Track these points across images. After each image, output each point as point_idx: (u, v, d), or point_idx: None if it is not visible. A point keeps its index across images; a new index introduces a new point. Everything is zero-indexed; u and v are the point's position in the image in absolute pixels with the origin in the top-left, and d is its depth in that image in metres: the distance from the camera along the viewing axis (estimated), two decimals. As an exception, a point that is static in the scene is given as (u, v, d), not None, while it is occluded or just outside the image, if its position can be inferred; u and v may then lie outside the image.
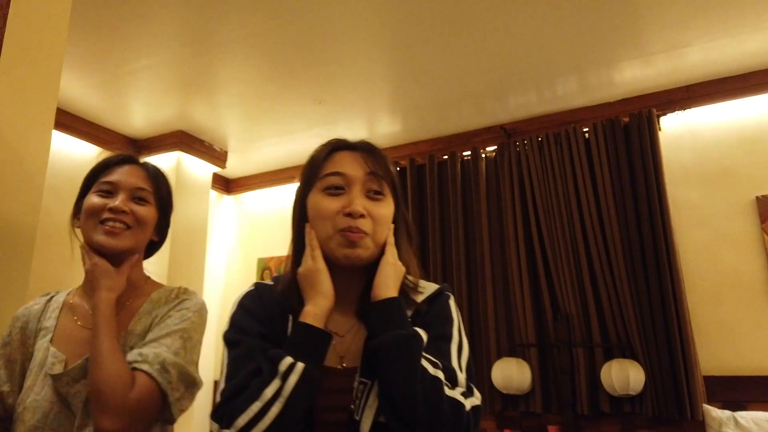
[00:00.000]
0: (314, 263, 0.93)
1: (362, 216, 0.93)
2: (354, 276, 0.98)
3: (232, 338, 0.93)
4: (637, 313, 2.75)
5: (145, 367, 1.01)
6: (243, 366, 0.88)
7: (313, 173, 0.99)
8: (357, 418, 0.85)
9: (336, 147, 1.00)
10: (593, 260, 2.90)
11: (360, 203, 0.94)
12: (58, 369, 1.07)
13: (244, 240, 4.32)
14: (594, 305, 2.88)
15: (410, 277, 1.02)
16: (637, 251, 2.82)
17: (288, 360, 0.83)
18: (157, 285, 1.23)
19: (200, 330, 1.14)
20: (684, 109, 3.01)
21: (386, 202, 0.99)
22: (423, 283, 1.03)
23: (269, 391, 0.82)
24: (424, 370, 0.83)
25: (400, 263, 0.97)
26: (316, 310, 0.89)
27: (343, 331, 0.97)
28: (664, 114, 3.06)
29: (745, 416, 2.43)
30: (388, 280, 0.93)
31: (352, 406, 0.87)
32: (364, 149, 1.00)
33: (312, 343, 0.87)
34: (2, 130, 1.37)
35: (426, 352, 0.87)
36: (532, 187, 3.15)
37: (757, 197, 2.78)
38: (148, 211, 1.17)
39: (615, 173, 2.97)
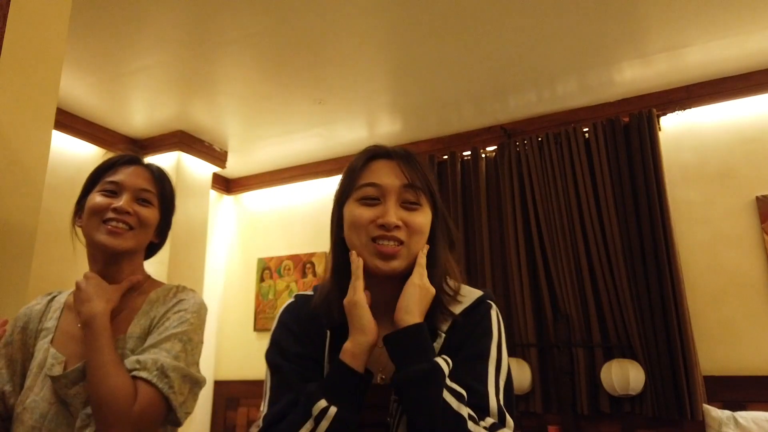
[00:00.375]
0: (354, 295, 0.89)
1: (397, 227, 0.91)
2: (392, 285, 0.94)
3: (273, 362, 0.94)
4: (637, 313, 2.75)
5: (144, 374, 1.00)
6: (283, 394, 0.89)
7: (350, 182, 0.98)
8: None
9: (373, 155, 0.99)
10: (593, 260, 2.90)
11: (394, 213, 0.92)
12: (57, 370, 1.07)
13: (244, 240, 4.32)
14: (594, 305, 2.88)
15: (452, 282, 0.99)
16: (637, 251, 2.82)
17: (321, 404, 0.82)
18: (156, 284, 1.22)
19: (200, 330, 1.13)
20: (684, 109, 3.01)
21: (423, 211, 0.96)
22: (465, 289, 0.99)
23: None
24: (447, 406, 0.80)
25: (429, 285, 0.91)
26: (354, 348, 0.86)
27: (380, 343, 0.91)
28: (664, 114, 3.06)
29: (745, 416, 2.43)
30: (412, 305, 0.88)
31: (389, 419, 0.87)
32: (401, 157, 0.97)
33: (347, 386, 0.84)
34: (2, 130, 1.37)
35: (459, 372, 0.85)
36: (532, 187, 3.15)
37: (757, 197, 2.78)
38: (151, 213, 1.16)
39: (615, 173, 2.97)
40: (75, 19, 2.01)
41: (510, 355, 3.16)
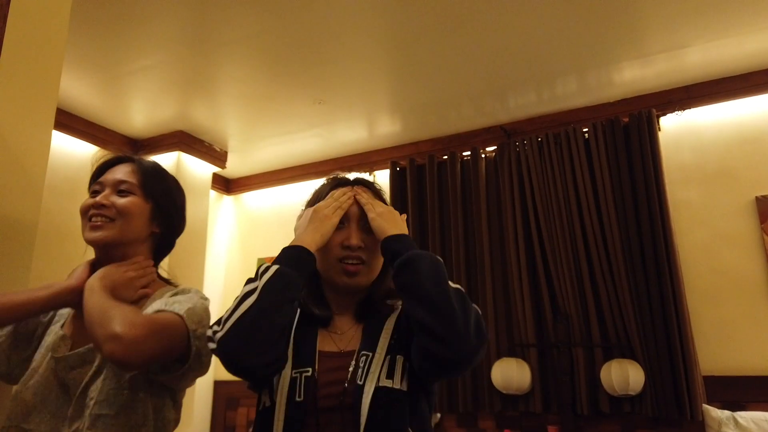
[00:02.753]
0: (331, 215, 1.08)
1: (360, 248, 1.08)
2: (347, 298, 1.13)
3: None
4: (637, 313, 2.75)
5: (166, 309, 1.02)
6: None
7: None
8: (360, 382, 0.97)
9: (336, 185, 1.17)
10: (593, 260, 2.90)
11: (356, 237, 1.09)
12: (62, 352, 1.09)
13: (244, 240, 4.32)
14: (594, 305, 2.88)
15: None
16: (637, 251, 2.82)
17: (265, 265, 0.99)
18: (161, 284, 1.23)
19: (207, 318, 1.10)
20: (684, 110, 3.01)
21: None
22: None
23: (246, 289, 0.97)
24: (449, 283, 0.97)
25: (388, 207, 1.13)
26: (308, 241, 1.05)
27: (344, 330, 1.10)
28: (664, 114, 3.06)
29: (744, 416, 2.44)
30: (397, 221, 1.09)
31: (351, 370, 1.00)
32: (361, 185, 1.17)
33: (292, 254, 1.02)
34: (2, 130, 1.38)
35: None
36: (532, 187, 3.15)
37: (757, 197, 2.78)
38: (130, 202, 1.16)
39: (615, 173, 2.97)
40: (75, 19, 2.02)
41: (510, 355, 3.17)
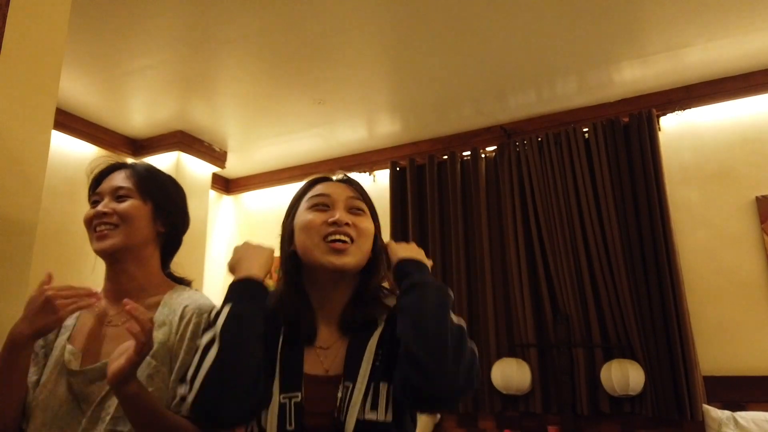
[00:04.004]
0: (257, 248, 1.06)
1: (347, 224, 1.01)
2: (341, 285, 1.05)
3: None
4: (637, 313, 2.75)
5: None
6: None
7: (298, 201, 1.11)
8: (342, 418, 0.91)
9: (319, 180, 1.12)
10: (593, 260, 2.90)
11: (344, 215, 1.02)
12: (75, 365, 1.09)
13: (244, 240, 4.31)
14: (594, 305, 2.88)
15: (386, 283, 1.12)
16: (637, 251, 2.81)
17: (215, 310, 0.95)
18: (170, 286, 1.22)
19: None
20: (684, 109, 3.01)
21: (367, 218, 1.07)
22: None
23: (205, 340, 0.91)
24: (451, 318, 0.92)
25: (414, 245, 1.09)
26: (255, 270, 1.01)
27: (329, 343, 1.02)
28: (664, 114, 3.06)
29: (744, 416, 2.43)
30: (420, 252, 1.06)
31: (338, 404, 0.93)
32: (344, 180, 1.12)
33: (239, 287, 0.97)
34: (1, 130, 1.37)
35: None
36: (532, 187, 3.15)
37: (757, 197, 2.78)
38: (130, 206, 1.17)
39: (615, 173, 2.97)
40: (75, 19, 2.01)
41: (510, 355, 3.17)
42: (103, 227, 1.14)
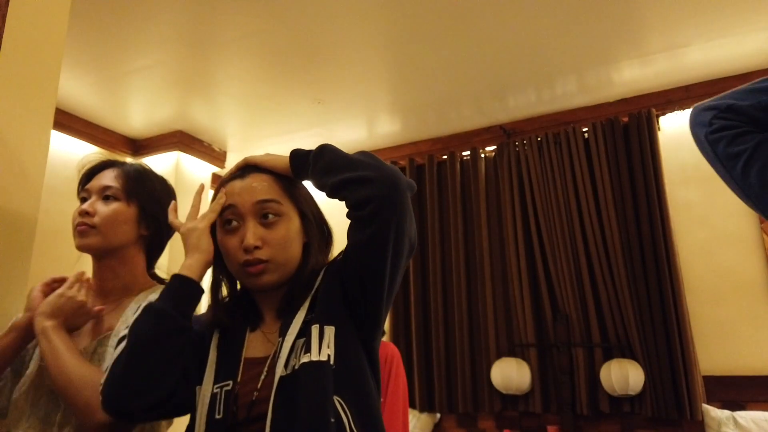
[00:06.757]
0: (199, 223, 1.02)
1: (257, 248, 0.97)
2: (271, 293, 1.03)
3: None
4: (637, 313, 2.75)
5: None
6: None
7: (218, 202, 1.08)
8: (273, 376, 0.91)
9: (226, 180, 1.07)
10: (593, 260, 2.90)
11: (252, 236, 0.97)
12: None
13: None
14: (593, 305, 2.88)
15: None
16: (637, 251, 2.82)
17: (151, 305, 0.94)
18: (149, 283, 1.23)
19: None
20: (683, 109, 3.01)
21: (283, 221, 1.01)
22: None
23: (122, 333, 0.94)
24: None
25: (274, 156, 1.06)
26: (192, 263, 0.99)
27: (271, 328, 1.01)
28: (664, 114, 3.06)
29: (744, 416, 2.44)
30: (276, 156, 1.04)
31: (262, 378, 0.93)
32: (254, 172, 1.05)
33: (178, 289, 0.97)
34: (1, 130, 1.37)
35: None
36: (532, 187, 3.15)
37: (756, 197, 2.78)
38: (112, 210, 1.17)
39: (614, 173, 2.97)
40: (74, 19, 2.01)
41: (509, 355, 3.16)
42: (83, 226, 1.15)
